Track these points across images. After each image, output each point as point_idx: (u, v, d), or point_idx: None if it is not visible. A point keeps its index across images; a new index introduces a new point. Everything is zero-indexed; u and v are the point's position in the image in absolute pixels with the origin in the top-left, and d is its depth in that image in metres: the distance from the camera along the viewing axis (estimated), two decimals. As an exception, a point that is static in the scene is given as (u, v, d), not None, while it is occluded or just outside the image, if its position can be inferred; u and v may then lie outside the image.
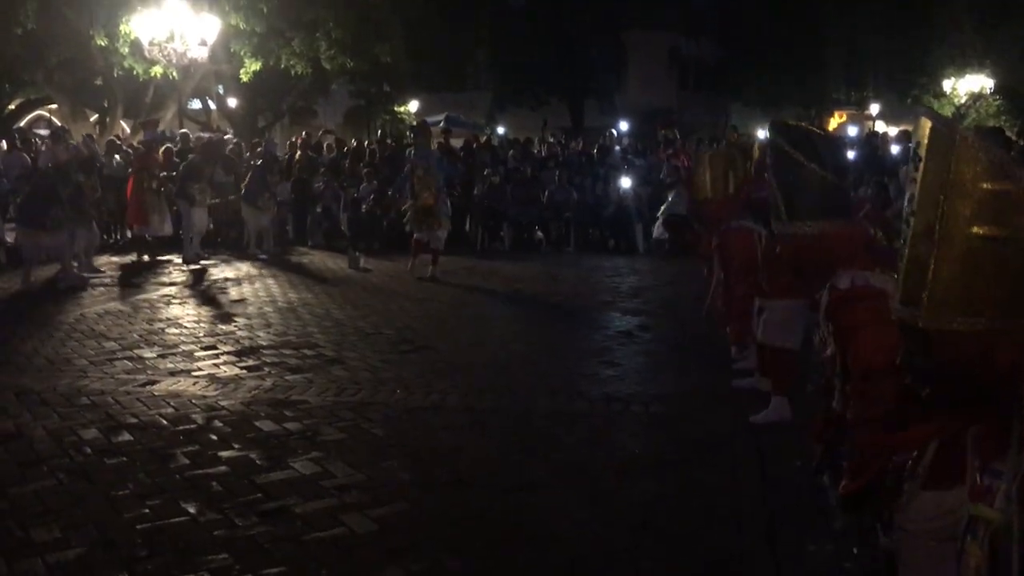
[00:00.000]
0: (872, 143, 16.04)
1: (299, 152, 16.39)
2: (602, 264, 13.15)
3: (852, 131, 23.70)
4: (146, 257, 12.77)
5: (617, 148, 17.26)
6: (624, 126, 26.29)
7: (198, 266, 12.30)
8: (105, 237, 13.12)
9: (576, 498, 4.46)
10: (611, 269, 12.65)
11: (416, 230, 11.31)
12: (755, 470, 4.87)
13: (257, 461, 4.94)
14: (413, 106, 29.38)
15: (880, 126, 22.81)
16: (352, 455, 5.03)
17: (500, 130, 28.24)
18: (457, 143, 18.01)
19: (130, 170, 13.35)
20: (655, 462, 4.99)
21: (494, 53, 28.51)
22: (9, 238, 11.84)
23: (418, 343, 7.87)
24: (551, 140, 21.22)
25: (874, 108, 26.49)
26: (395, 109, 28.24)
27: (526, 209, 15.01)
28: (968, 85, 22.28)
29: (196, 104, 25.00)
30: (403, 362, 7.21)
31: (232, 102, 23.40)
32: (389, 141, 17.95)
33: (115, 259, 12.50)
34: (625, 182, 14.92)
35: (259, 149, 15.39)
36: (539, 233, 15.18)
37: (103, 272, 11.49)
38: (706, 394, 6.32)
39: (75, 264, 10.88)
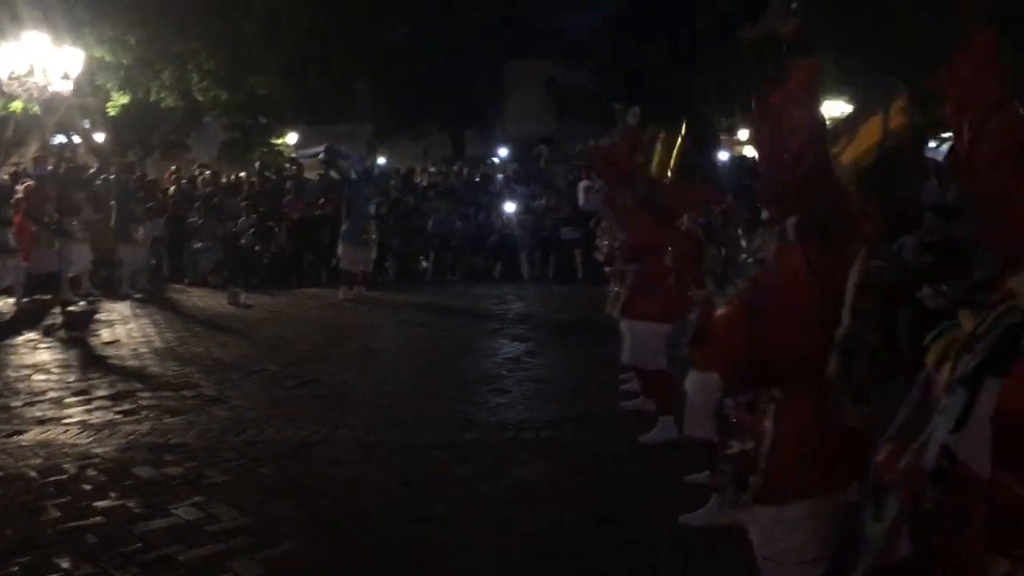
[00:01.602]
0: (742, 166, 16.65)
1: (172, 187, 15.88)
2: (488, 292, 13.18)
3: (723, 155, 24.55)
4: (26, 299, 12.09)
5: (500, 176, 17.39)
6: (503, 152, 26.54)
7: (79, 308, 11.73)
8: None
9: (478, 530, 4.40)
10: (497, 297, 12.68)
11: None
12: (653, 492, 4.90)
13: (136, 509, 4.70)
14: (292, 138, 28.91)
15: (749, 150, 23.72)
16: (238, 497, 4.84)
17: (381, 160, 28.05)
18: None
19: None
20: (551, 489, 4.97)
21: (374, 84, 28.36)
22: None
23: (304, 378, 7.68)
24: (432, 170, 21.21)
25: (743, 134, 27.54)
26: (273, 142, 27.70)
27: (410, 239, 14.93)
28: (828, 110, 23.48)
29: (61, 139, 23.93)
30: (289, 398, 7.02)
31: (100, 137, 22.51)
32: (268, 174, 17.58)
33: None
34: (508, 209, 15.04)
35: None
36: (424, 263, 15.11)
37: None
38: (597, 417, 6.36)
39: None
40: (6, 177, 15.23)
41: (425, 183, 18.13)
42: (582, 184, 14.33)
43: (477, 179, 17.90)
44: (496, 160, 21.56)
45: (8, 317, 11.09)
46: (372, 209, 12.65)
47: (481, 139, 31.34)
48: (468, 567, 4.01)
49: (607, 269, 6.86)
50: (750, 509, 2.72)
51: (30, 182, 12.87)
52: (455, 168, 20.01)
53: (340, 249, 12.31)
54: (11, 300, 12.00)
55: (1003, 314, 1.47)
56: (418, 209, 15.53)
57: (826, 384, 2.62)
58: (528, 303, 12.11)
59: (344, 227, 12.30)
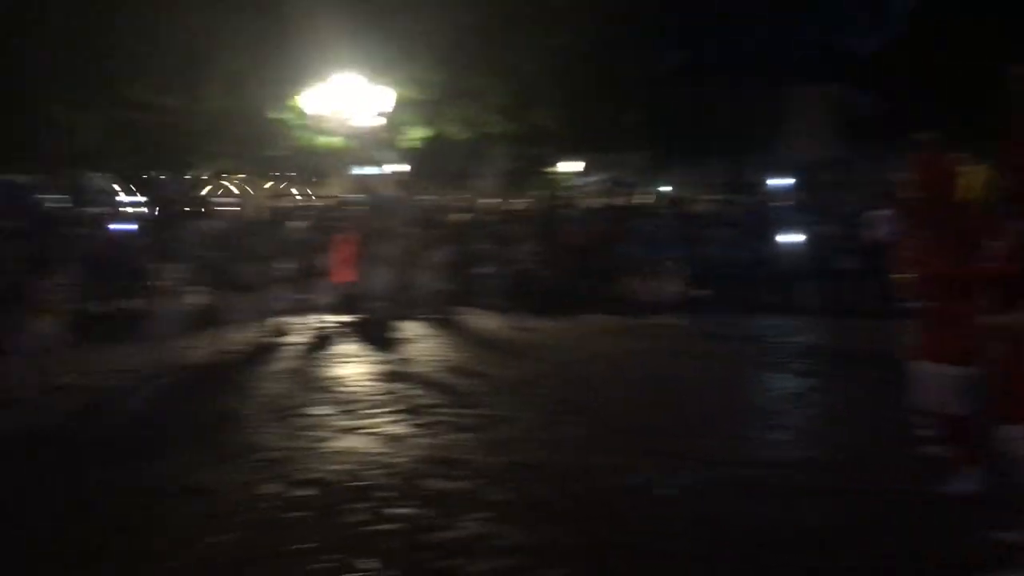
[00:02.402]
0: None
1: (461, 215, 16.84)
2: (767, 323, 12.75)
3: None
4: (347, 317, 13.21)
5: (781, 203, 16.82)
6: (783, 180, 25.60)
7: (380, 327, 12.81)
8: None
9: (729, 572, 4.30)
10: (777, 328, 12.22)
11: None
12: (944, 547, 4.52)
13: (428, 520, 5.00)
14: (572, 167, 29.67)
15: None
16: (521, 517, 5.02)
17: (660, 188, 28.12)
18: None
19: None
20: (826, 535, 4.71)
21: (650, 113, 28.55)
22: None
23: (587, 404, 7.82)
24: (708, 197, 20.97)
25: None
26: (554, 171, 28.62)
27: (686, 268, 14.78)
28: None
29: (369, 170, 26.15)
30: (574, 423, 7.16)
31: (400, 167, 24.38)
32: (550, 203, 18.19)
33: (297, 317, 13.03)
34: (789, 237, 14.52)
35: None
36: (702, 291, 14.88)
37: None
38: (885, 460, 5.97)
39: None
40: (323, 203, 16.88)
41: (703, 210, 17.92)
42: (874, 213, 13.52)
43: (757, 206, 17.46)
44: (780, 186, 20.88)
45: (319, 333, 12.21)
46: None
47: (761, 165, 30.50)
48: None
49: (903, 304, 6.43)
50: None
51: (353, 209, 14.09)
52: (738, 195, 19.65)
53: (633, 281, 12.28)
54: (325, 318, 13.15)
55: None
56: (696, 237, 15.37)
57: None
58: (810, 335, 11.60)
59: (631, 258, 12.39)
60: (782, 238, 14.66)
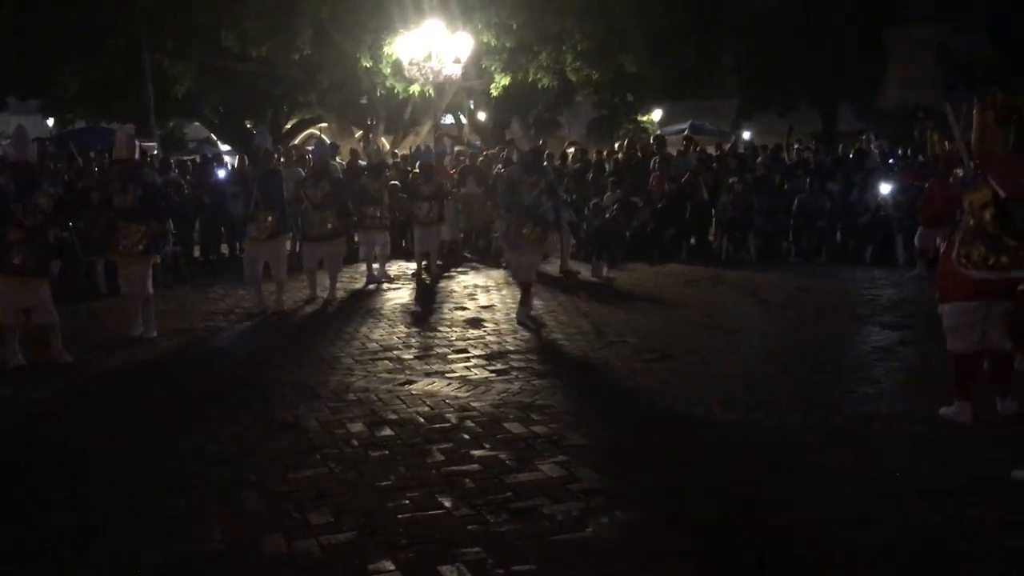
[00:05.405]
0: None
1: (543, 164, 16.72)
2: (858, 276, 12.46)
3: None
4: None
5: (876, 151, 16.25)
6: (874, 130, 24.61)
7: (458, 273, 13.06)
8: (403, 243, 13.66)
9: (841, 522, 4.24)
10: (868, 281, 11.95)
11: None
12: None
13: (507, 461, 5.09)
14: (656, 115, 29.26)
15: None
16: (598, 460, 5.07)
17: (746, 136, 27.49)
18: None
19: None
20: (924, 489, 4.64)
21: (742, 56, 27.74)
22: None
23: (663, 352, 7.80)
24: (797, 146, 20.37)
25: None
26: (638, 119, 28.23)
27: (774, 218, 14.51)
28: None
29: (449, 119, 26.26)
30: (648, 371, 7.18)
31: (481, 116, 24.40)
32: (636, 152, 17.91)
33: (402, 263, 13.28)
34: (884, 188, 14.05)
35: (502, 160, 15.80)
36: (788, 243, 14.62)
37: (392, 280, 12.33)
38: (980, 416, 5.80)
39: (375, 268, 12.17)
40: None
41: (792, 160, 17.45)
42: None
43: (850, 155, 16.91)
44: (872, 136, 20.13)
45: (404, 281, 12.41)
46: None
47: (855, 113, 29.44)
48: (829, 560, 3.87)
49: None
50: None
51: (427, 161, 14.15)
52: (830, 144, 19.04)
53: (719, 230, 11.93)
54: (410, 266, 13.34)
55: None
56: (784, 186, 15.02)
57: None
58: (903, 290, 11.27)
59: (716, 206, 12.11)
60: (877, 188, 14.20)
